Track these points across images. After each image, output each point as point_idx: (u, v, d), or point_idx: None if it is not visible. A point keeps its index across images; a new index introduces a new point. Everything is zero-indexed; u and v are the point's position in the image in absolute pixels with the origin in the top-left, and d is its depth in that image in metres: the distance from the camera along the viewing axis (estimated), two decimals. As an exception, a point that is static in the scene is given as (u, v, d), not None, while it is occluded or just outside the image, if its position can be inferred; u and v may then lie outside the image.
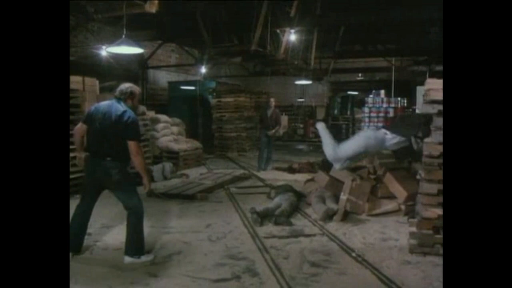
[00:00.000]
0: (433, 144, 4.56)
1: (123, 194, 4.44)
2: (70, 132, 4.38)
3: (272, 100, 11.21)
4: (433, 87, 4.53)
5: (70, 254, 4.46)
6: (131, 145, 4.25)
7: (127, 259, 4.41)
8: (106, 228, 5.61)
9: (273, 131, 10.79)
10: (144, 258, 4.45)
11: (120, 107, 4.35)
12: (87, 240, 5.06)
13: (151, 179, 9.09)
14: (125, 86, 4.54)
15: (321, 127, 7.02)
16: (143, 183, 4.43)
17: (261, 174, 10.29)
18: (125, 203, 4.45)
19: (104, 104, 4.47)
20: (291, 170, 10.61)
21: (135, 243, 4.46)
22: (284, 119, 21.73)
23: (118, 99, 4.45)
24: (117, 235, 5.25)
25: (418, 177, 5.12)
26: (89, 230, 5.38)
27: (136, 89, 4.59)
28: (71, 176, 7.39)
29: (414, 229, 4.71)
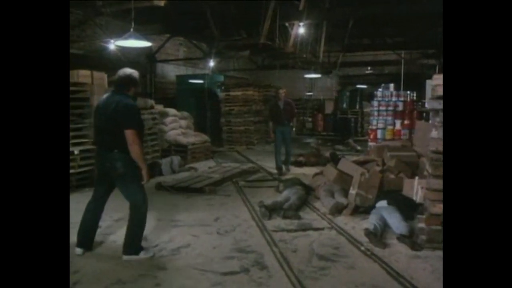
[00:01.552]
0: (439, 139, 4.53)
1: (127, 189, 4.35)
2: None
3: (281, 91, 9.72)
4: (441, 82, 4.50)
5: (81, 250, 4.47)
6: (127, 133, 4.13)
7: (125, 257, 4.36)
8: (116, 222, 5.63)
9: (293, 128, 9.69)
10: (142, 255, 4.40)
11: (117, 97, 4.26)
12: (97, 234, 5.09)
13: (159, 172, 9.20)
14: (125, 73, 4.38)
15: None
16: (142, 174, 4.27)
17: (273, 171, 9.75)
18: (128, 198, 4.37)
19: (105, 96, 4.46)
20: (298, 164, 10.56)
21: (134, 242, 4.42)
22: (293, 113, 21.72)
23: (117, 89, 4.36)
24: (125, 228, 5.26)
25: (425, 173, 5.08)
26: (99, 224, 5.43)
27: (136, 73, 4.45)
28: (77, 171, 7.47)
29: (423, 225, 4.68)
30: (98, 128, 4.45)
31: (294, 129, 9.33)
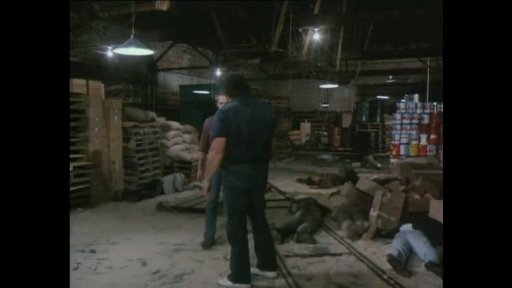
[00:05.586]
0: None
1: (263, 200, 4.70)
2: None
3: (220, 97, 5.08)
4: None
5: (273, 274, 4.61)
6: (271, 143, 4.53)
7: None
8: (111, 245, 5.62)
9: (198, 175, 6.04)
10: None
11: (261, 102, 4.55)
12: (90, 259, 5.08)
13: (161, 191, 9.20)
14: (243, 77, 4.74)
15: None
16: None
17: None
18: (263, 210, 4.65)
19: (240, 104, 4.13)
20: (310, 183, 10.52)
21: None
22: (307, 126, 21.69)
23: (250, 92, 4.58)
24: (122, 252, 5.26)
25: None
26: (92, 247, 5.43)
27: None
28: (70, 189, 7.48)
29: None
30: (251, 138, 4.12)
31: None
